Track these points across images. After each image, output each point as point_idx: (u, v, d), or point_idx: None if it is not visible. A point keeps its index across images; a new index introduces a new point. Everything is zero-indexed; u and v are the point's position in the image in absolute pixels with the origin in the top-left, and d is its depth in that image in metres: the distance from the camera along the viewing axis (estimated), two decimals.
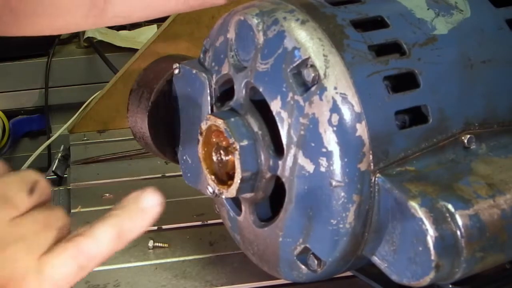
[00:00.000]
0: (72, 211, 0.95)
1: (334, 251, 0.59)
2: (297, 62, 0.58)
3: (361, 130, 0.56)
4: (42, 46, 1.57)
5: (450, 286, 0.62)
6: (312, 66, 0.57)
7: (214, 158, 0.65)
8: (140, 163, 1.15)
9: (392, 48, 0.61)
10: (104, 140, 1.30)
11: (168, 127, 0.75)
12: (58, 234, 0.48)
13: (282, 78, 0.59)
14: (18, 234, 0.47)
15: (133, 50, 1.36)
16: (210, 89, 0.68)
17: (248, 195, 0.64)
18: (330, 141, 0.57)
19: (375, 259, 0.59)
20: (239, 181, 0.62)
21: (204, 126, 0.65)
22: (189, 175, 0.73)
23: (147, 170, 1.10)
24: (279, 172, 0.61)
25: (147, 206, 0.49)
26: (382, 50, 0.60)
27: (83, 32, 1.61)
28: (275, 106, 0.60)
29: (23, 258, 0.46)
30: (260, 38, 0.61)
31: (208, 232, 0.89)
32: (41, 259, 0.46)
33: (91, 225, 0.48)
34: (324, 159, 0.57)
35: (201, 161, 0.66)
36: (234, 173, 0.63)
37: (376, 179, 0.57)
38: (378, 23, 0.62)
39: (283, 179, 0.61)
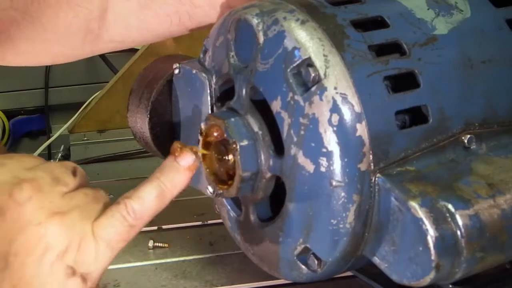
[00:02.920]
0: None
1: (334, 251, 0.59)
2: (297, 62, 0.58)
3: (361, 130, 0.56)
4: None
5: (450, 286, 0.62)
6: (312, 66, 0.57)
7: (214, 158, 0.65)
8: (140, 163, 1.15)
9: (392, 48, 0.61)
10: (104, 140, 1.30)
11: (168, 127, 0.75)
12: (106, 206, 0.54)
13: (282, 78, 0.59)
14: (72, 204, 0.53)
15: (133, 50, 1.36)
16: (210, 89, 0.68)
17: (248, 195, 0.64)
18: (330, 141, 0.57)
19: (375, 259, 0.59)
20: (239, 181, 0.62)
21: (204, 126, 0.65)
22: None
23: (147, 170, 1.10)
24: (279, 172, 0.61)
25: (183, 165, 0.56)
26: (382, 50, 0.60)
27: None
28: (275, 106, 0.60)
29: (79, 222, 0.52)
30: (260, 38, 0.61)
31: (208, 232, 0.89)
32: (94, 222, 0.52)
33: (136, 188, 0.54)
34: (324, 159, 0.57)
35: (201, 161, 0.66)
36: (234, 173, 0.63)
37: (376, 179, 0.57)
38: (378, 23, 0.62)
39: (283, 179, 0.61)
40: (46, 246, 0.51)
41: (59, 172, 0.54)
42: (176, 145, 0.57)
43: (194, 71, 0.69)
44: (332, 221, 0.58)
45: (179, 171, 0.56)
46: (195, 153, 0.57)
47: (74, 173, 0.55)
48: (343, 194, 0.57)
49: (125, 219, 0.53)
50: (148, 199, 0.54)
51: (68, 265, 0.51)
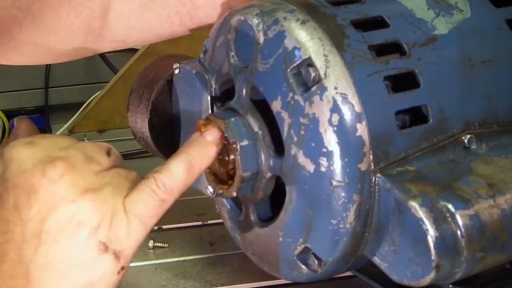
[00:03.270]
0: None
1: (334, 251, 0.59)
2: (297, 62, 0.58)
3: (362, 130, 0.56)
4: None
5: (450, 286, 0.62)
6: (313, 66, 0.57)
7: (214, 158, 0.65)
8: (140, 163, 1.15)
9: (392, 48, 0.61)
10: (104, 140, 1.30)
11: (168, 127, 0.75)
12: (138, 183, 0.55)
13: (283, 78, 0.59)
14: (104, 182, 0.53)
15: (133, 50, 1.36)
16: (210, 89, 0.68)
17: (248, 195, 0.64)
18: (331, 141, 0.57)
19: (376, 259, 0.59)
20: (239, 181, 0.62)
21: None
22: None
23: (147, 170, 1.10)
24: (279, 172, 0.61)
25: (210, 140, 0.58)
26: (383, 50, 0.60)
27: None
28: (276, 106, 0.60)
29: (111, 198, 0.53)
30: (260, 38, 0.61)
31: (208, 232, 0.90)
32: (125, 198, 0.53)
33: (164, 162, 0.55)
34: (325, 159, 0.57)
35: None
36: (234, 173, 0.63)
37: (377, 179, 0.57)
38: (378, 23, 0.62)
39: (283, 179, 0.61)
40: (78, 222, 0.51)
41: (92, 151, 0.55)
42: (200, 121, 0.59)
43: (194, 71, 0.69)
44: (332, 221, 0.58)
45: (206, 145, 0.58)
46: (219, 128, 0.59)
47: (108, 153, 0.56)
48: (343, 194, 0.57)
49: (156, 193, 0.53)
50: (178, 171, 0.55)
51: (100, 241, 0.51)
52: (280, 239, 0.62)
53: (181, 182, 0.55)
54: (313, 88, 0.57)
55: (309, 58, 0.58)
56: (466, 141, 0.60)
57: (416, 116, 0.60)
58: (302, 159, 0.58)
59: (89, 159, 0.54)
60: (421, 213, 0.55)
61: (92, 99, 1.40)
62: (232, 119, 0.63)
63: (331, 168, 0.57)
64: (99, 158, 0.55)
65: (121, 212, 0.52)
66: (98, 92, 1.39)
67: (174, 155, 0.56)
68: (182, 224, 0.92)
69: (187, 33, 0.78)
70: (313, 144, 0.57)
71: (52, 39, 0.77)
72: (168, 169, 0.55)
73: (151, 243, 0.86)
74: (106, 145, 0.57)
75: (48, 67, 1.58)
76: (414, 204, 0.55)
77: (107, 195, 0.52)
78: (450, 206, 0.55)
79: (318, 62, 0.57)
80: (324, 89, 0.57)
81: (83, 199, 0.51)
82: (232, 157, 0.62)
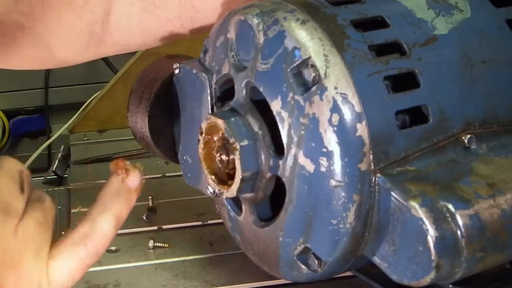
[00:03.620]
0: (72, 211, 0.96)
1: (334, 251, 0.59)
2: (298, 62, 0.58)
3: (362, 130, 0.56)
4: None
5: (451, 286, 0.62)
6: (313, 66, 0.57)
7: (215, 158, 0.65)
8: (140, 163, 1.15)
9: (392, 48, 0.61)
10: (104, 140, 1.30)
11: (168, 127, 0.75)
12: (52, 229, 0.50)
13: (283, 78, 0.59)
14: (23, 242, 0.48)
15: None
16: (210, 89, 0.68)
17: (248, 195, 0.64)
18: (331, 141, 0.57)
19: (376, 259, 0.59)
20: (239, 181, 0.62)
21: (204, 126, 0.65)
22: (189, 175, 0.73)
23: (147, 170, 1.10)
24: (279, 172, 0.61)
25: (132, 186, 0.54)
26: (383, 50, 0.60)
27: None
28: (276, 106, 0.60)
29: (34, 268, 0.48)
30: (261, 38, 0.61)
31: (208, 232, 0.89)
32: (49, 262, 0.49)
33: (92, 220, 0.51)
34: (325, 159, 0.57)
35: (201, 161, 0.66)
36: (234, 173, 0.63)
37: (377, 179, 0.57)
38: (378, 23, 0.62)
39: (284, 179, 0.61)
40: None
41: (8, 194, 0.49)
42: (120, 162, 0.55)
43: (194, 71, 0.69)
44: (332, 221, 0.58)
45: (130, 193, 0.54)
46: (139, 169, 0.56)
47: (22, 187, 0.50)
48: (343, 194, 0.57)
49: (83, 261, 0.50)
50: (107, 231, 0.51)
51: None
52: (280, 239, 0.62)
53: (109, 239, 0.52)
54: (313, 88, 0.57)
55: (309, 58, 0.58)
56: (466, 141, 0.60)
57: (416, 116, 0.60)
58: (302, 159, 0.58)
59: (5, 211, 0.48)
60: (421, 213, 0.55)
61: (92, 99, 1.40)
62: (232, 119, 0.63)
63: (331, 168, 0.57)
64: (15, 203, 0.49)
65: (45, 284, 0.48)
66: (98, 92, 1.39)
67: (100, 211, 0.52)
68: (182, 224, 0.92)
69: (188, 37, 0.78)
70: (313, 144, 0.58)
71: (54, 43, 0.77)
72: (98, 231, 0.51)
73: (151, 243, 0.86)
74: (16, 171, 0.51)
75: None
76: (414, 204, 0.55)
77: (30, 266, 0.48)
78: (450, 206, 0.55)
79: (318, 62, 0.57)
80: (324, 89, 0.57)
81: (6, 280, 0.46)
82: (232, 157, 0.63)
